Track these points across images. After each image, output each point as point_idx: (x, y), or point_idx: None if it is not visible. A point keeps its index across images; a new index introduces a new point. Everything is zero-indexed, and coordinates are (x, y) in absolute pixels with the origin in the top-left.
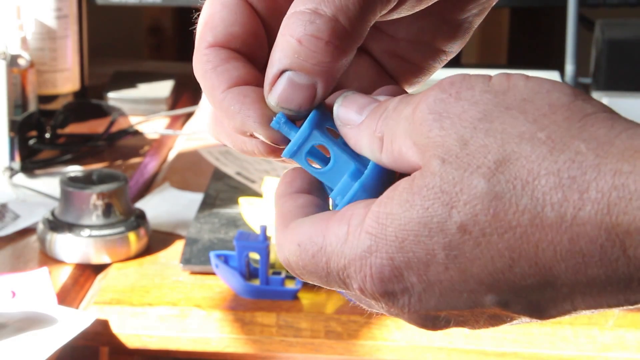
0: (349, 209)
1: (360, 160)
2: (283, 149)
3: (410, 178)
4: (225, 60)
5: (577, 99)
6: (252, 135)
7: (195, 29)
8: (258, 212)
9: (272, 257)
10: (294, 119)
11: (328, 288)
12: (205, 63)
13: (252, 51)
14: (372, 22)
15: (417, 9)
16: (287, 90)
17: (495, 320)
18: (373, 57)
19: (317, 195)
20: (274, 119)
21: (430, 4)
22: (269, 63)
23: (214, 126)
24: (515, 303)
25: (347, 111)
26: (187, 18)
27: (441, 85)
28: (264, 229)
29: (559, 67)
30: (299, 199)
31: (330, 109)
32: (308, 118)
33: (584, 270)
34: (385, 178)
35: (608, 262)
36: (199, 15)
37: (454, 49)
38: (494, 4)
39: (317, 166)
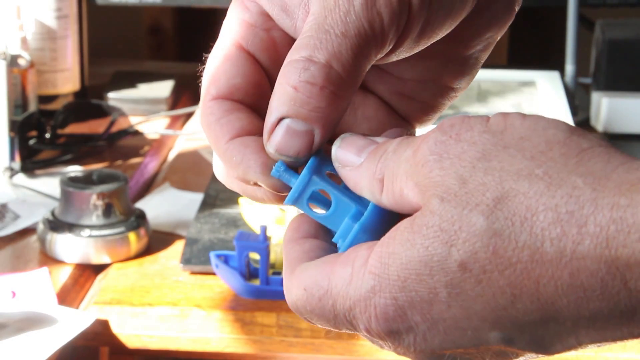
0: (353, 251)
1: (361, 202)
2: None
3: (412, 218)
4: (229, 112)
5: (572, 134)
6: (256, 184)
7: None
8: (258, 212)
9: (272, 257)
10: (295, 166)
11: (338, 331)
12: (209, 115)
13: (255, 101)
14: (368, 67)
15: (416, 50)
16: (284, 138)
17: (501, 357)
18: (381, 99)
19: (323, 239)
20: (274, 167)
21: (430, 44)
22: (268, 111)
23: (225, 176)
24: (519, 339)
25: (346, 153)
26: (187, 18)
27: (441, 128)
28: (264, 229)
29: (559, 67)
30: (305, 244)
31: (329, 154)
32: (307, 164)
33: (586, 304)
34: (385, 219)
35: (609, 295)
36: (204, 68)
37: (462, 85)
38: (499, 37)
39: (320, 210)
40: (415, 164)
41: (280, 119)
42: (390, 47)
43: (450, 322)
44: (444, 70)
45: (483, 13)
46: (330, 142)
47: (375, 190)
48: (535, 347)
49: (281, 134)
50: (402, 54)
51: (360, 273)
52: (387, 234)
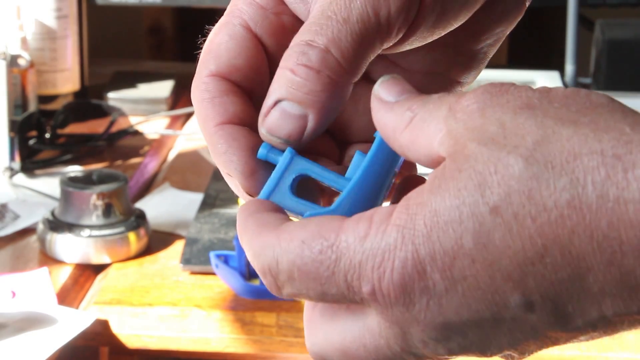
0: (370, 211)
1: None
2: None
3: (440, 167)
4: (224, 93)
5: (614, 101)
6: (229, 175)
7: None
8: None
9: None
10: (282, 149)
11: (317, 300)
12: (203, 92)
13: (252, 86)
14: (372, 56)
15: (430, 40)
16: (278, 119)
17: (516, 332)
18: None
19: None
20: (260, 148)
21: (443, 35)
22: (267, 95)
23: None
24: (541, 306)
25: (389, 88)
26: (187, 18)
27: (490, 84)
28: None
29: (559, 67)
30: (278, 212)
31: (310, 158)
32: (287, 149)
33: (619, 261)
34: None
35: None
36: (204, 41)
37: (469, 79)
38: (508, 32)
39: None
40: (455, 109)
41: (277, 102)
42: (399, 36)
43: (471, 282)
44: (453, 64)
45: (495, 7)
46: (311, 153)
47: (401, 125)
48: (555, 317)
49: (275, 115)
50: (416, 42)
51: (381, 227)
52: (414, 190)
